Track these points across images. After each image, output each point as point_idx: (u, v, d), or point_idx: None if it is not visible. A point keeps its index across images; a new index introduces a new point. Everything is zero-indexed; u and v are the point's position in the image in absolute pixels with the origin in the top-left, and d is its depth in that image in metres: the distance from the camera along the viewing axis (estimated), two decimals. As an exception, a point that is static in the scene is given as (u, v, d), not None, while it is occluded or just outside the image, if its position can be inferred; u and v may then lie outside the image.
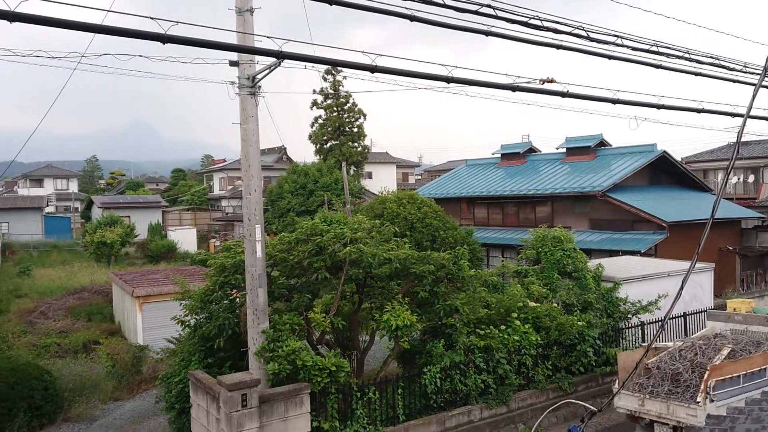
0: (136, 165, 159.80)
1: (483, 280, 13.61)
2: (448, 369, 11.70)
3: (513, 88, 7.99)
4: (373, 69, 6.84)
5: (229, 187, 58.47)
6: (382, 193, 26.60)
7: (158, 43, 5.61)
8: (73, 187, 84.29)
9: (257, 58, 9.57)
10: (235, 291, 11.56)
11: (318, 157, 49.13)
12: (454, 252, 12.39)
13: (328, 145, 48.87)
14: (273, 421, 9.69)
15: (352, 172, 48.27)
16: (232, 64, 9.74)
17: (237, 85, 9.77)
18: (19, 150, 12.57)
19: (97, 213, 52.41)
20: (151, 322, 18.59)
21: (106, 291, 25.74)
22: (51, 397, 13.62)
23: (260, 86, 9.87)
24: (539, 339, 12.93)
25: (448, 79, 7.31)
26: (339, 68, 32.02)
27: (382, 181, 56.22)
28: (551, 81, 8.12)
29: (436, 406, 11.62)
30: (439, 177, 41.61)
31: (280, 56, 6.56)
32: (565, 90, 8.26)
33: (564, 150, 30.33)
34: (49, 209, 64.68)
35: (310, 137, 49.11)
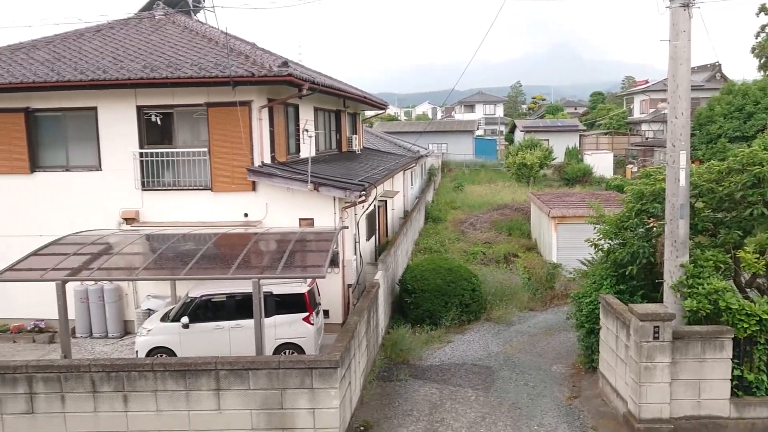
0: (555, 89, 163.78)
1: None
2: None
3: None
4: None
5: (651, 110, 54.96)
6: None
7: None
8: (499, 111, 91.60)
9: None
10: (651, 220, 11.17)
11: (762, 73, 41.95)
12: None
13: (778, 57, 41.20)
14: (687, 360, 9.22)
15: (809, 89, 39.87)
16: (665, -26, 8.99)
17: (669, -3, 9.01)
18: (458, 79, 14.23)
19: (518, 136, 56.06)
20: (565, 242, 19.35)
21: (525, 209, 27.72)
22: (477, 298, 15.62)
23: (696, -4, 8.91)
24: None
25: None
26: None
27: None
28: None
29: None
30: None
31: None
32: None
33: None
34: (479, 132, 71.87)
35: (752, 50, 42.04)
